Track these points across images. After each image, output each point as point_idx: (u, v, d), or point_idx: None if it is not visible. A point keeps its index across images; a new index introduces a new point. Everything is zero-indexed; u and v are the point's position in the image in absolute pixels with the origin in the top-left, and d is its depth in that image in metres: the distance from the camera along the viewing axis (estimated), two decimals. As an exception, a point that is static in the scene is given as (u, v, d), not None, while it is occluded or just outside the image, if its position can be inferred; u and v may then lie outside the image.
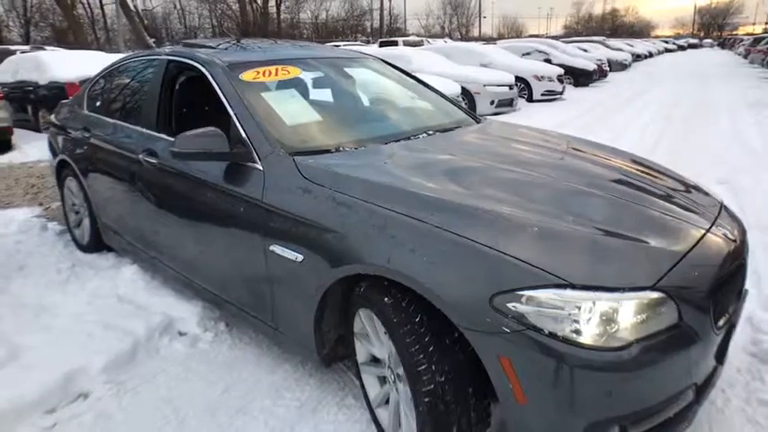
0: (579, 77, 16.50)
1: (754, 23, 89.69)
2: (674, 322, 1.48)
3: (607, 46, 25.93)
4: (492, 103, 10.39)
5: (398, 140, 2.41)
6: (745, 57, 28.06)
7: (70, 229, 3.93)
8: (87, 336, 2.59)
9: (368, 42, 36.70)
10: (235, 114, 2.30)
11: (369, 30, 58.03)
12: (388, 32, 55.97)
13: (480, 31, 68.18)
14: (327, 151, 2.20)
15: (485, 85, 10.39)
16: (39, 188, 5.77)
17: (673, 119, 9.64)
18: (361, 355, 2.01)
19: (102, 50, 14.58)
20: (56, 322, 2.75)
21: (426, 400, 1.55)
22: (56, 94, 8.08)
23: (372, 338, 1.87)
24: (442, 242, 1.56)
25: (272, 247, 2.02)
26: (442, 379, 1.54)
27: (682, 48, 55.03)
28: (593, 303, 1.41)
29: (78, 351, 2.45)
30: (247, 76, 2.53)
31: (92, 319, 2.76)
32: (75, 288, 3.17)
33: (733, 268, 1.75)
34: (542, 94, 12.76)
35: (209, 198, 2.33)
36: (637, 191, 2.01)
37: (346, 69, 3.05)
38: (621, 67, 23.26)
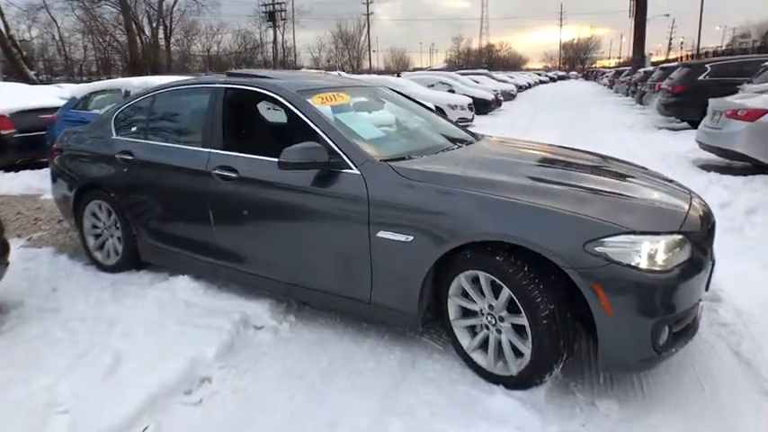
0: (479, 106, 18.16)
1: (609, 57, 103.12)
2: (690, 255, 2.23)
3: (492, 78, 28.62)
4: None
5: (446, 150, 3.05)
6: (610, 87, 32.22)
7: (90, 252, 4.04)
8: (184, 334, 2.88)
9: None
10: (323, 132, 2.80)
11: (262, 63, 58.31)
12: (282, 65, 56.70)
13: (371, 65, 71.33)
14: (402, 158, 2.77)
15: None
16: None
17: (573, 137, 11.19)
18: (452, 313, 2.57)
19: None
20: (136, 330, 2.98)
21: (545, 322, 2.16)
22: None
23: (473, 295, 2.45)
24: (542, 213, 2.21)
25: (379, 234, 2.54)
26: (552, 307, 2.17)
27: (553, 79, 61.43)
28: (650, 242, 2.12)
29: (186, 346, 2.74)
30: (316, 101, 3.04)
31: (173, 321, 3.03)
32: (129, 301, 3.38)
33: (710, 226, 2.57)
34: (456, 122, 14.06)
35: (301, 200, 2.79)
36: (628, 176, 2.82)
37: (378, 95, 3.64)
38: (510, 96, 25.80)
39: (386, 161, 2.68)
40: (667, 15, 62.17)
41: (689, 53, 49.18)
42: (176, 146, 3.43)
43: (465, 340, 2.56)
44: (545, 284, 2.20)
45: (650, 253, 2.11)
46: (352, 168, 2.67)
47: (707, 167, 7.35)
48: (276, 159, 2.77)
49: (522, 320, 2.26)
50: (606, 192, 2.44)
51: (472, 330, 2.55)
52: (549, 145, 3.62)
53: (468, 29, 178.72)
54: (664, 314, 2.12)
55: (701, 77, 11.88)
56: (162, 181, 3.43)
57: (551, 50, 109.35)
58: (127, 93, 7.39)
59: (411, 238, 2.46)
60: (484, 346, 2.49)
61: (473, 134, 3.71)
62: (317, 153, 2.66)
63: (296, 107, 2.95)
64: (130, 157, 3.60)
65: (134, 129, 3.77)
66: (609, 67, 74.44)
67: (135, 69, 35.68)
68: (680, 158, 8.20)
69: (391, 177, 2.57)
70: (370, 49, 69.44)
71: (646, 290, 2.07)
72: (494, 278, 2.32)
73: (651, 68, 22.06)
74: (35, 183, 7.45)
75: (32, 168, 8.37)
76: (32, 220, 5.68)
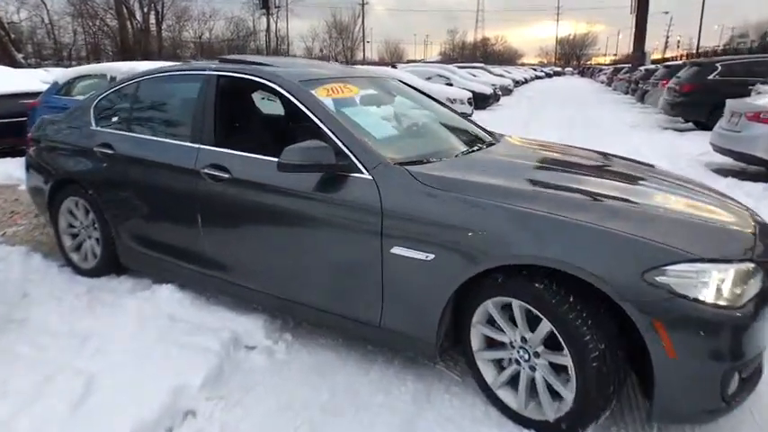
0: (477, 101, 17.78)
1: (605, 54, 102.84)
2: (762, 287, 1.90)
3: (489, 72, 28.20)
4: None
5: (467, 153, 2.70)
6: (608, 84, 31.91)
7: (66, 253, 3.67)
8: (166, 356, 2.52)
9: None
10: (329, 129, 2.43)
11: (255, 51, 57.41)
12: (275, 54, 55.86)
13: (365, 56, 70.52)
14: (420, 161, 2.42)
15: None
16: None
17: (578, 136, 10.87)
18: (475, 343, 2.23)
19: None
20: (112, 348, 2.62)
21: (594, 365, 1.83)
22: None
23: (502, 324, 2.11)
24: (591, 234, 1.86)
25: (393, 250, 2.19)
26: (603, 346, 1.83)
27: (549, 75, 61.05)
28: (719, 272, 1.79)
29: (168, 371, 2.39)
30: (321, 93, 2.67)
31: (155, 339, 2.67)
32: (106, 312, 3.01)
33: None
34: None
35: (301, 207, 2.43)
36: (680, 188, 2.48)
37: (388, 88, 3.28)
38: (507, 91, 25.41)
39: (402, 165, 2.33)
40: (666, 13, 62.02)
41: (686, 52, 49.07)
42: (162, 140, 3.05)
43: (490, 375, 2.22)
44: (595, 319, 1.86)
45: (719, 285, 1.78)
46: (362, 172, 2.32)
47: (722, 172, 7.06)
48: (274, 159, 2.42)
49: (564, 360, 1.92)
50: (662, 209, 2.10)
51: (498, 364, 2.22)
52: (580, 148, 3.27)
53: (463, 21, 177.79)
54: (735, 358, 1.79)
55: (710, 77, 11.57)
56: (145, 179, 3.05)
57: (547, 45, 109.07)
58: (113, 78, 6.96)
59: (431, 256, 2.11)
60: (512, 382, 2.16)
61: (490, 133, 3.36)
62: (323, 154, 2.30)
63: (298, 99, 2.58)
64: (110, 151, 3.22)
65: (115, 119, 3.38)
66: (604, 64, 74.28)
67: (125, 55, 34.93)
68: (692, 161, 7.90)
69: (409, 184, 2.22)
70: (364, 40, 68.59)
71: (717, 329, 1.75)
72: (530, 308, 1.98)
73: (652, 66, 21.79)
74: (14, 172, 7.00)
75: (13, 156, 7.92)
76: (8, 213, 5.28)
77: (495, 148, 2.93)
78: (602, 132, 11.54)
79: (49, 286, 3.38)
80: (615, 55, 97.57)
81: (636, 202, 2.12)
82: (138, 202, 3.12)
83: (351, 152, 2.36)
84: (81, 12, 41.24)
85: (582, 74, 67.45)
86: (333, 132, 2.42)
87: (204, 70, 2.98)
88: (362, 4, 64.55)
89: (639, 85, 19.76)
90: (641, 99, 18.57)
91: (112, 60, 33.51)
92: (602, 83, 37.29)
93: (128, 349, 2.59)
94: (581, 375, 1.87)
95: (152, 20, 44.76)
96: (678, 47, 70.49)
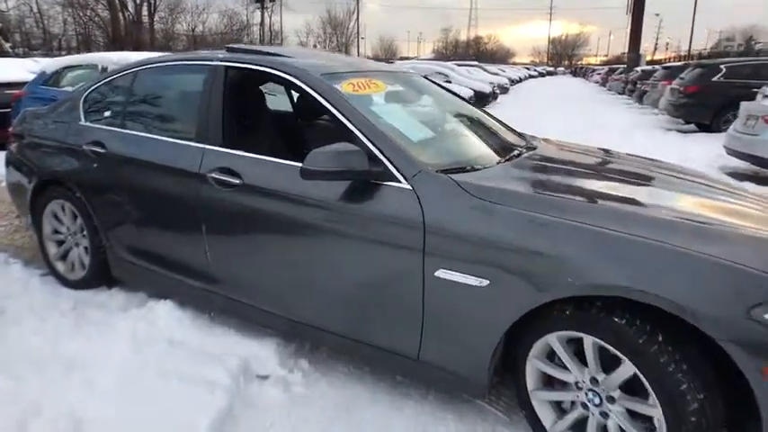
0: (477, 99, 17.49)
1: (596, 55, 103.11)
2: None
3: (485, 70, 27.91)
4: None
5: (511, 158, 2.37)
6: (603, 84, 31.79)
7: (50, 262, 3.30)
8: (166, 392, 2.17)
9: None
10: (360, 130, 2.09)
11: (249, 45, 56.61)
12: (269, 49, 54.92)
13: (359, 51, 69.94)
14: (463, 169, 2.09)
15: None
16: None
17: (582, 135, 10.58)
18: (531, 381, 1.92)
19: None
20: (102, 380, 2.27)
21: (693, 419, 1.51)
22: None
23: (567, 361, 1.79)
24: (688, 261, 1.55)
25: (438, 273, 1.86)
26: (702, 396, 1.52)
27: (542, 74, 60.91)
28: None
29: (168, 414, 2.04)
30: (346, 88, 2.34)
31: (153, 369, 2.32)
32: (95, 333, 2.65)
33: None
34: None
35: (326, 219, 2.10)
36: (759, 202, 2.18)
37: (414, 84, 2.94)
38: (504, 90, 25.16)
39: (444, 172, 2.00)
40: (657, 15, 62.11)
41: (674, 54, 49.33)
42: (161, 138, 2.69)
43: (548, 418, 1.90)
44: (691, 363, 1.55)
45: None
46: (399, 181, 1.98)
47: (737, 176, 6.81)
48: (293, 164, 2.10)
49: (650, 410, 1.61)
50: (754, 229, 1.79)
51: (559, 407, 1.90)
52: (628, 154, 2.96)
53: (456, 19, 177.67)
54: None
55: (715, 78, 11.35)
56: (141, 182, 2.69)
57: (539, 45, 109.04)
58: (104, 69, 6.54)
59: (486, 282, 1.79)
60: (577, 428, 1.84)
61: (521, 135, 3.05)
62: (355, 159, 1.96)
63: (323, 96, 2.24)
64: (102, 150, 2.85)
65: (108, 114, 3.01)
66: (595, 65, 74.36)
67: (116, 46, 34.21)
68: (705, 165, 7.64)
69: (457, 196, 1.89)
70: (359, 36, 68.06)
71: None
72: (607, 346, 1.66)
73: (649, 67, 21.66)
74: (-3, 167, 6.58)
75: (-5, 150, 7.48)
76: (-13, 213, 4.88)
77: (538, 152, 2.60)
78: (605, 132, 11.25)
79: (29, 300, 3.01)
80: (606, 56, 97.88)
81: (726, 221, 1.82)
82: (133, 207, 2.77)
83: (386, 157, 2.02)
84: (71, 1, 40.37)
85: (574, 74, 67.44)
86: (364, 134, 2.09)
87: (211, 60, 2.63)
88: (357, 0, 64.00)
89: (637, 86, 19.62)
90: (640, 99, 18.39)
91: (104, 51, 32.75)
92: (597, 83, 37.16)
93: (120, 381, 2.24)
94: (674, 429, 1.55)
95: (144, 11, 44.01)
96: (667, 49, 70.70)
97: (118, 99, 3.00)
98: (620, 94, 25.25)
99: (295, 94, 3.33)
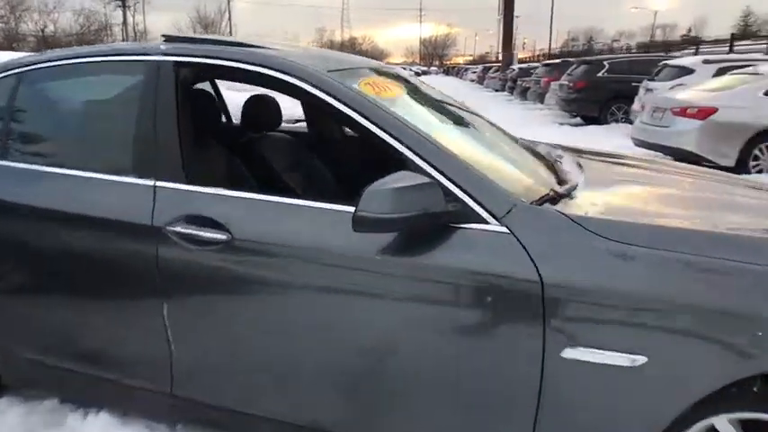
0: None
1: (463, 54, 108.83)
2: None
3: (370, 70, 27.70)
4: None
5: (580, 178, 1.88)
6: (480, 82, 33.18)
7: None
8: None
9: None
10: (417, 154, 1.46)
11: (107, 48, 51.52)
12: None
13: (232, 54, 66.72)
14: (552, 198, 1.55)
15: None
16: None
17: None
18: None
19: None
20: None
21: None
22: None
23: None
24: None
25: (565, 353, 1.31)
26: None
27: (418, 74, 62.56)
28: None
29: None
30: (367, 90, 1.68)
31: None
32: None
33: None
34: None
35: (378, 287, 1.45)
36: None
37: (417, 86, 2.34)
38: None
39: (541, 204, 1.46)
40: (518, 17, 66.83)
41: (531, 53, 53.78)
42: (74, 173, 1.82)
43: None
44: None
45: None
46: (487, 222, 1.40)
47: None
48: (317, 205, 1.44)
49: None
50: None
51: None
52: (665, 162, 2.61)
53: (330, 19, 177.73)
54: None
55: (599, 74, 12.04)
56: (48, 243, 1.80)
57: (412, 46, 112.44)
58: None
59: (642, 359, 1.27)
60: None
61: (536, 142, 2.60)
62: (430, 196, 1.34)
63: (347, 104, 1.55)
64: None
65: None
66: (464, 64, 78.27)
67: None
68: (617, 157, 7.90)
69: (578, 238, 1.35)
70: (231, 35, 64.93)
71: None
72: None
73: (524, 65, 22.93)
74: None
75: None
76: None
77: (594, 167, 2.13)
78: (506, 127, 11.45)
79: None
80: (472, 55, 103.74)
81: None
82: (31, 280, 1.86)
83: (462, 189, 1.42)
84: None
85: (447, 72, 70.22)
86: (424, 158, 1.46)
87: (148, 54, 1.81)
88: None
89: (518, 83, 20.60)
90: (522, 95, 19.27)
91: None
92: (472, 81, 38.80)
93: None
94: None
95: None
96: (524, 48, 76.25)
97: (11, 121, 2.02)
98: (497, 91, 26.49)
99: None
